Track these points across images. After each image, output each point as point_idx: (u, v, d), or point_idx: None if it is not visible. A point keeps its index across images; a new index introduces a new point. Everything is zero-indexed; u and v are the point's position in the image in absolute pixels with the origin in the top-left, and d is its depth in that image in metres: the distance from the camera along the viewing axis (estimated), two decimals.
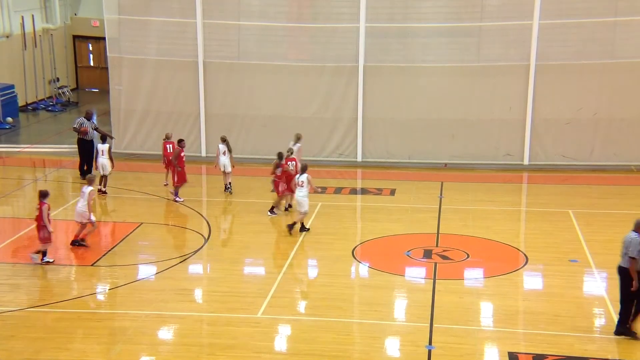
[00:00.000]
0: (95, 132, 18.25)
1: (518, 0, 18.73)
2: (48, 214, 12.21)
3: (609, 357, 9.00)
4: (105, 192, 16.52)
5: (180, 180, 16.00)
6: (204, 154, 20.38)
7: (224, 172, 16.72)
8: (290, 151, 15.54)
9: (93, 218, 13.05)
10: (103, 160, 16.40)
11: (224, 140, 16.71)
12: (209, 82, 20.17)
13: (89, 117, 18.19)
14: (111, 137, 18.63)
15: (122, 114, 20.38)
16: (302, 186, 13.83)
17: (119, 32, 20.18)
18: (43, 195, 12.25)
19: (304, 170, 14.08)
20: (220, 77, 20.15)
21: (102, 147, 16.51)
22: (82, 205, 12.89)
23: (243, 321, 10.29)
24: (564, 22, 18.41)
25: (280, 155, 15.10)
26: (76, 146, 18.23)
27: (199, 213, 15.48)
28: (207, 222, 14.86)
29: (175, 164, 15.98)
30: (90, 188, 13.06)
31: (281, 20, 19.87)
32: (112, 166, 16.60)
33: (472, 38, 19.39)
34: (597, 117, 18.74)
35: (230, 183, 16.84)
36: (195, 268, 12.73)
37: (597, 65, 18.50)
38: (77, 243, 13.15)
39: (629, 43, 18.47)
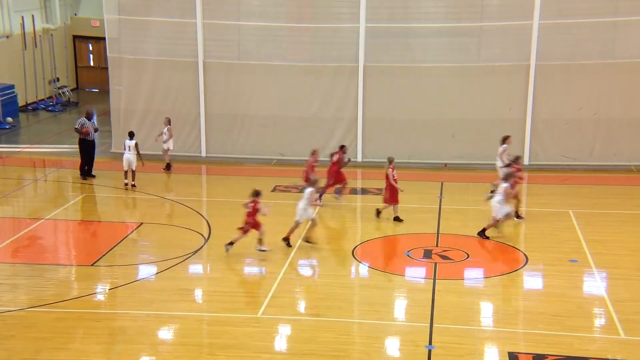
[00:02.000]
0: (96, 132, 18.27)
1: (518, 0, 18.74)
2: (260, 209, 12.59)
3: (609, 357, 8.98)
4: (134, 186, 16.83)
5: (332, 184, 16.04)
6: (204, 154, 20.38)
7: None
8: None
9: (313, 214, 13.09)
10: (129, 156, 16.73)
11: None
12: (209, 82, 20.17)
13: (89, 117, 18.19)
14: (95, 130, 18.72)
15: (122, 114, 20.38)
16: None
17: (119, 32, 20.18)
18: (257, 194, 12.80)
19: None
20: (220, 77, 20.15)
21: (128, 143, 16.83)
22: (303, 205, 13.02)
23: (243, 321, 10.29)
24: (564, 22, 18.42)
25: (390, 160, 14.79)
26: (77, 146, 18.24)
27: (199, 213, 15.48)
28: (207, 222, 14.85)
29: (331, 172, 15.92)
30: (311, 189, 13.12)
31: (281, 21, 19.88)
32: (142, 163, 16.93)
33: (472, 38, 19.40)
34: (597, 117, 18.74)
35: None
36: (195, 268, 12.73)
37: (598, 65, 18.50)
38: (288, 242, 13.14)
39: (629, 43, 18.48)
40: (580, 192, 16.86)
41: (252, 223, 12.74)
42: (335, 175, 16.19)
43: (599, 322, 10.28)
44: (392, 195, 14.54)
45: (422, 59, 19.33)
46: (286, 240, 13.24)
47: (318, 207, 13.68)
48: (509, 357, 9.08)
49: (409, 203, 16.10)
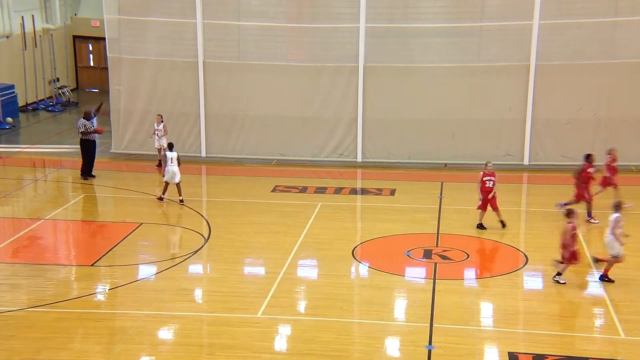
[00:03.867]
0: (97, 133, 18.29)
1: (518, 0, 18.73)
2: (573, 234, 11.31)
3: (609, 357, 8.98)
4: (182, 201, 15.68)
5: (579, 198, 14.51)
6: (203, 154, 20.38)
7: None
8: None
9: (619, 250, 11.38)
10: (173, 168, 15.61)
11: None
12: (209, 82, 20.16)
13: (88, 118, 18.19)
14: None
15: (122, 114, 20.37)
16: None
17: (119, 32, 20.17)
18: (570, 213, 11.56)
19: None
20: (220, 77, 20.15)
21: (170, 155, 15.69)
22: (610, 237, 11.45)
23: (243, 321, 10.29)
24: (564, 22, 18.41)
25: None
26: (78, 147, 18.24)
27: (199, 213, 15.48)
28: (207, 222, 14.86)
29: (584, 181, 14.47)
30: (617, 215, 11.47)
31: (281, 21, 19.87)
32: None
33: (472, 38, 19.39)
34: (597, 117, 18.73)
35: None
36: (195, 268, 12.73)
37: (597, 66, 18.49)
38: (606, 279, 11.49)
39: (629, 43, 18.46)
40: None
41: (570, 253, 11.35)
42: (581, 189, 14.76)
43: (599, 322, 10.28)
44: (485, 202, 13.89)
45: (422, 59, 19.32)
46: (605, 277, 11.54)
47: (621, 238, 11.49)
48: (509, 357, 9.08)
49: (409, 203, 16.11)
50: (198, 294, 11.71)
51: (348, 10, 19.38)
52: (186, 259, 12.79)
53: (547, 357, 8.98)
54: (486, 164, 14.31)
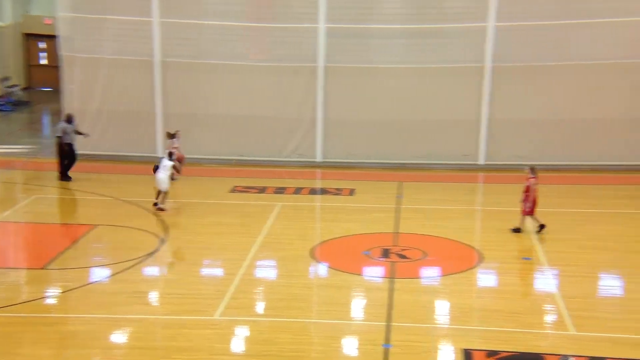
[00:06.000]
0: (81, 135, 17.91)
1: (475, 2, 19.02)
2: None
3: (561, 352, 9.16)
4: (155, 205, 15.26)
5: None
6: (160, 154, 20.06)
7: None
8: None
9: None
10: (161, 175, 15.13)
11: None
12: (168, 81, 19.91)
13: (69, 121, 17.79)
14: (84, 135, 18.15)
15: (76, 114, 19.90)
16: None
17: (72, 30, 19.75)
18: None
19: None
20: (179, 77, 19.92)
21: (165, 162, 15.28)
22: None
23: (200, 323, 10.16)
24: (518, 25, 18.76)
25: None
26: (35, 147, 17.82)
27: (155, 214, 15.23)
28: (164, 223, 14.63)
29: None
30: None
31: (241, 20, 19.75)
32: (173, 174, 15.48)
33: (431, 39, 19.60)
34: (552, 117, 19.13)
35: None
36: (150, 270, 12.52)
37: (551, 67, 18.89)
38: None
39: (582, 45, 18.90)
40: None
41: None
42: None
43: (550, 318, 10.48)
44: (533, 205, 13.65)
45: (381, 59, 19.46)
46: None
47: None
48: (464, 354, 9.18)
49: (368, 203, 16.19)
50: (153, 296, 11.51)
51: (308, 10, 19.38)
52: (141, 260, 12.57)
53: (501, 353, 9.11)
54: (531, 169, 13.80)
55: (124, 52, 19.71)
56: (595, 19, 18.36)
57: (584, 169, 18.87)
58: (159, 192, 15.38)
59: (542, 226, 13.70)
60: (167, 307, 10.91)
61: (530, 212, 13.67)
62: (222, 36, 19.85)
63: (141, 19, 19.53)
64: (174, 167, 15.57)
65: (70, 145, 17.65)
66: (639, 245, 13.27)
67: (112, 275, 11.95)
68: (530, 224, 13.85)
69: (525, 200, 13.67)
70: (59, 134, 17.63)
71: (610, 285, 11.82)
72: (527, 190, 13.58)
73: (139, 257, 12.69)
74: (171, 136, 17.86)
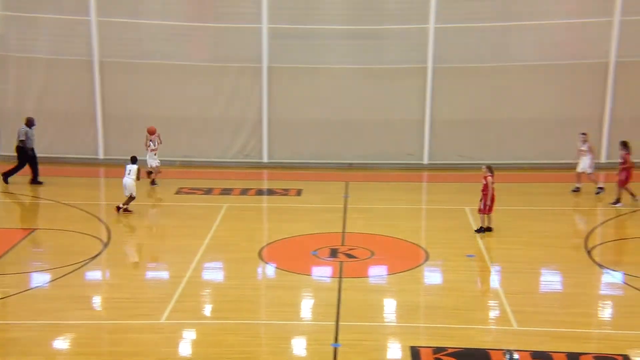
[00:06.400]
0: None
1: (416, 4, 19.32)
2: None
3: (505, 347, 9.42)
4: (119, 208, 15.00)
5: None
6: (101, 156, 19.64)
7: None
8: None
9: None
10: (128, 181, 14.96)
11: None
12: (107, 82, 19.48)
13: (30, 125, 17.15)
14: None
15: (11, 115, 19.26)
16: None
17: (4, 29, 19.10)
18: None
19: None
20: (119, 77, 19.51)
21: (130, 167, 15.04)
22: None
23: (146, 327, 9.97)
24: (458, 26, 19.21)
25: None
26: (16, 154, 17.23)
27: (97, 217, 14.87)
28: (107, 227, 14.29)
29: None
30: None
31: (183, 20, 19.50)
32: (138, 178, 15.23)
33: (374, 40, 19.86)
34: (491, 117, 19.66)
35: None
36: (93, 274, 12.20)
37: (491, 68, 19.41)
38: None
39: (520, 46, 19.51)
40: (475, 189, 17.48)
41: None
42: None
43: (493, 314, 10.75)
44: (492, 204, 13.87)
45: (325, 60, 19.57)
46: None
47: None
48: (410, 351, 9.33)
49: (316, 203, 16.25)
50: (97, 301, 11.23)
51: (250, 10, 19.32)
52: (84, 265, 12.24)
53: (447, 350, 9.30)
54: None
55: (61, 51, 19.19)
56: (529, 22, 18.96)
57: (519, 168, 19.46)
58: (129, 198, 15.02)
59: (488, 229, 14.01)
60: (111, 312, 10.66)
61: (489, 210, 13.92)
62: (163, 36, 19.58)
63: (78, 18, 19.05)
64: (138, 170, 15.21)
65: (32, 150, 17.22)
66: (574, 241, 13.79)
67: (53, 280, 11.59)
68: (485, 222, 14.03)
69: (484, 199, 13.92)
70: (22, 138, 17.06)
71: (549, 280, 12.24)
72: (485, 189, 13.89)
73: (81, 262, 12.35)
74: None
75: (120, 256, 12.92)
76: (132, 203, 15.04)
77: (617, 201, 15.70)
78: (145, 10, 19.46)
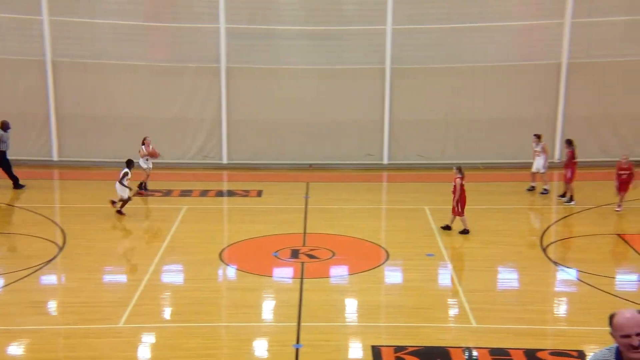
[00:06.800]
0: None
1: (373, 5, 19.47)
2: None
3: (463, 345, 9.55)
4: (120, 212, 14.84)
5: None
6: (55, 157, 19.18)
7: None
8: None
9: None
10: (116, 184, 14.83)
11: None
12: (61, 82, 19.06)
13: (5, 128, 16.60)
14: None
15: None
16: None
17: None
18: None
19: None
20: (73, 77, 19.11)
21: (122, 171, 14.86)
22: None
23: (103, 332, 9.77)
24: (414, 28, 19.43)
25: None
26: None
27: (52, 220, 14.50)
28: (62, 230, 13.95)
29: None
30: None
31: (139, 19, 19.21)
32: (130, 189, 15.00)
33: (333, 41, 19.93)
34: (448, 118, 19.94)
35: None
36: (48, 279, 11.90)
37: (447, 69, 19.70)
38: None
39: (474, 48, 19.84)
40: (434, 189, 17.82)
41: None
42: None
43: (453, 312, 10.90)
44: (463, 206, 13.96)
45: (284, 60, 19.55)
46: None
47: None
48: (372, 350, 9.37)
49: (276, 204, 16.20)
50: (52, 305, 10.95)
51: (208, 10, 19.16)
52: (38, 269, 11.92)
53: (407, 348, 9.37)
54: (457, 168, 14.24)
55: (12, 51, 18.67)
56: (483, 23, 19.31)
57: (476, 167, 19.79)
58: (122, 201, 14.76)
59: (449, 227, 14.17)
60: (67, 317, 10.40)
61: (460, 212, 14.03)
62: (118, 35, 19.25)
63: (30, 17, 18.57)
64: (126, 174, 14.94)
65: (4, 154, 16.79)
66: (531, 239, 14.09)
67: (6, 285, 11.25)
68: (456, 223, 14.18)
69: (453, 200, 13.96)
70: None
71: (507, 278, 12.46)
72: (455, 190, 14.00)
73: (36, 266, 12.03)
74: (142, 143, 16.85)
75: (76, 260, 12.63)
76: (118, 205, 14.83)
77: (570, 199, 16.15)
78: (100, 10, 19.09)
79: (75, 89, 19.19)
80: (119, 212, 14.84)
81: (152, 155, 16.72)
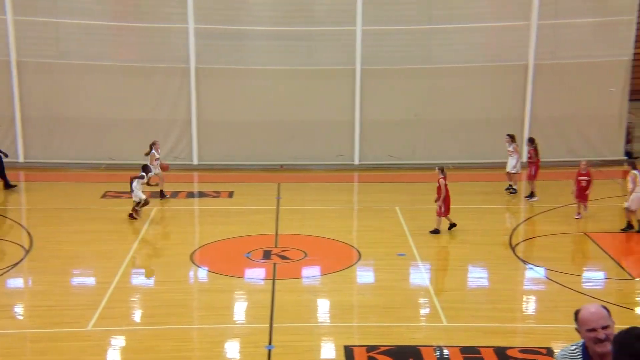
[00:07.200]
0: None
1: (343, 6, 19.50)
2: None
3: (434, 343, 9.63)
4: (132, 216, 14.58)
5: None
6: (21, 159, 18.80)
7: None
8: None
9: None
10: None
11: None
12: (26, 83, 18.72)
13: None
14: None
15: None
16: None
17: None
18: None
19: None
20: (39, 78, 18.77)
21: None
22: None
23: (72, 335, 9.61)
24: (384, 29, 19.53)
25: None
26: None
27: (18, 223, 14.21)
28: (28, 232, 13.68)
29: None
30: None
31: (106, 19, 18.94)
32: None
33: (303, 42, 19.91)
34: (418, 118, 20.08)
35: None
36: (15, 282, 11.67)
37: (416, 70, 19.80)
38: None
39: (443, 49, 20.02)
40: (405, 189, 17.93)
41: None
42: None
43: (424, 311, 10.98)
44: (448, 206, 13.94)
45: (254, 61, 19.46)
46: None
47: None
48: (344, 350, 9.39)
49: (248, 205, 16.13)
50: (19, 309, 10.74)
51: (176, 10, 18.98)
52: (5, 272, 11.66)
53: (379, 348, 9.42)
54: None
55: None
56: (451, 24, 19.52)
57: (448, 167, 19.93)
58: (137, 203, 14.50)
59: (437, 231, 14.21)
60: (35, 320, 10.21)
61: (445, 213, 14.07)
62: (85, 35, 18.95)
63: None
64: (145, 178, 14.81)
65: None
66: (501, 238, 14.25)
67: None
68: (445, 224, 14.18)
69: (441, 200, 13.96)
70: None
71: (477, 277, 12.60)
72: (439, 191, 14.05)
73: (2, 269, 11.77)
74: (150, 148, 16.40)
75: (44, 263, 12.40)
76: (135, 207, 14.59)
77: (532, 195, 16.45)
78: (66, 9, 18.76)
79: (41, 89, 18.84)
80: (131, 216, 14.52)
81: (163, 169, 16.38)
